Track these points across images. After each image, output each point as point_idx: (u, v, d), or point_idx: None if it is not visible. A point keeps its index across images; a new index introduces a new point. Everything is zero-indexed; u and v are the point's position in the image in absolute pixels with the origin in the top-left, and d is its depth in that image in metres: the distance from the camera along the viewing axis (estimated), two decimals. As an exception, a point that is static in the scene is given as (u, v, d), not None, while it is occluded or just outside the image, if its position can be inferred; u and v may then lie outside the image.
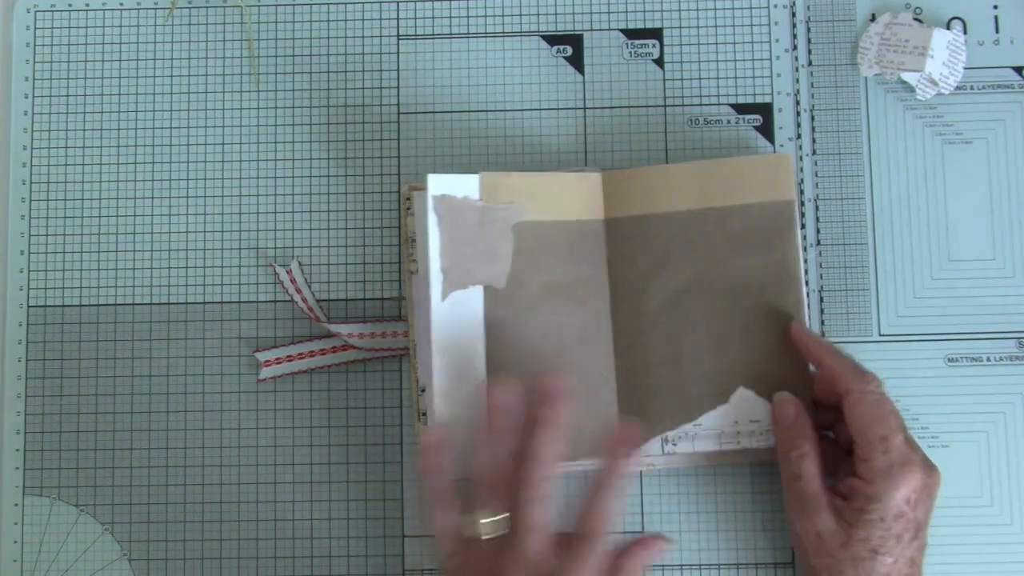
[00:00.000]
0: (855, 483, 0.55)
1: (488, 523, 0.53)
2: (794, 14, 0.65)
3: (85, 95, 0.66)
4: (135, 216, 0.65)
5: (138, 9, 0.66)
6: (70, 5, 0.66)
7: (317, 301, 0.63)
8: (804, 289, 0.60)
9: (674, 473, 0.62)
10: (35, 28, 0.66)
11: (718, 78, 0.65)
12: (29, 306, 0.64)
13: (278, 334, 0.63)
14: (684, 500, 0.62)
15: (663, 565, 0.61)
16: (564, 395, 0.55)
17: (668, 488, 0.62)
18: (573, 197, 0.61)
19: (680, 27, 0.65)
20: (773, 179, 0.60)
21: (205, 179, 0.65)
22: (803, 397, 0.58)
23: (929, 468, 0.55)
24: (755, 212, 0.60)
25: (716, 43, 0.65)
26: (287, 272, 0.63)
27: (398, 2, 0.66)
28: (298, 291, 0.63)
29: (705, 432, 0.59)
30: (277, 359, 0.63)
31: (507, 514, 0.53)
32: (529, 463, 0.54)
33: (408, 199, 0.61)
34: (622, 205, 0.61)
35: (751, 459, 0.61)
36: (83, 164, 0.65)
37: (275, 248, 0.64)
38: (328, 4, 0.66)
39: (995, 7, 0.65)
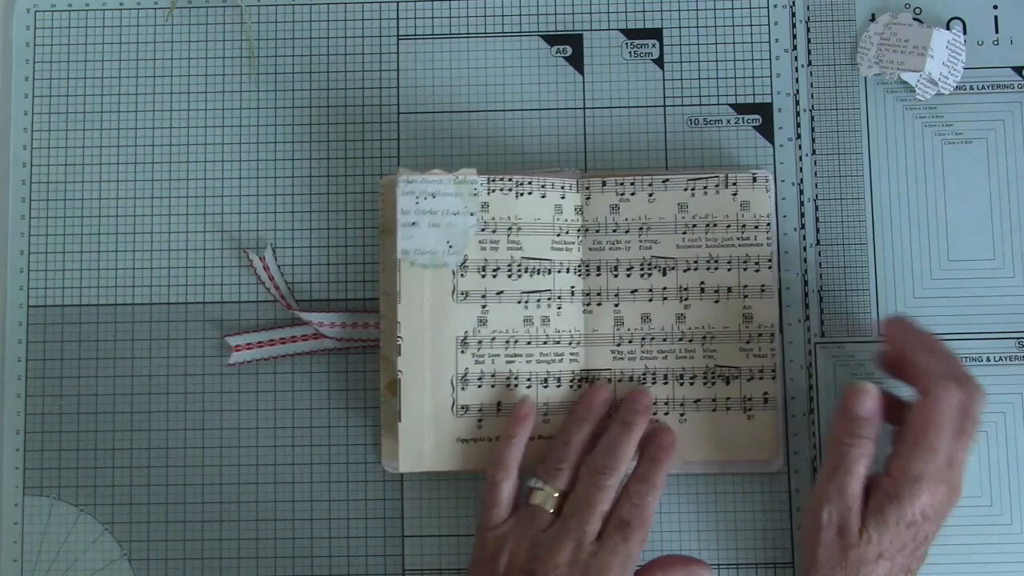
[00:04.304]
0: (881, 479, 0.55)
1: (550, 495, 0.57)
2: (794, 14, 0.65)
3: (85, 95, 0.66)
4: (135, 216, 0.65)
5: (138, 9, 0.66)
6: (70, 5, 0.66)
7: (315, 300, 0.64)
8: (780, 302, 0.62)
9: (674, 473, 0.62)
10: (35, 28, 0.66)
11: (718, 78, 0.65)
12: (29, 306, 0.64)
13: (278, 334, 0.64)
14: (684, 500, 0.62)
15: (663, 565, 0.62)
16: (646, 409, 0.60)
17: (668, 488, 0.62)
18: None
19: (680, 27, 0.65)
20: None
21: (205, 179, 0.65)
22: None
23: (954, 492, 0.55)
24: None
25: (716, 43, 0.65)
26: (261, 260, 0.63)
27: (398, 2, 0.66)
28: (271, 278, 0.63)
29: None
30: (248, 344, 0.63)
31: (559, 491, 0.57)
32: (607, 455, 0.57)
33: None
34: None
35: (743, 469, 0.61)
36: (83, 164, 0.65)
37: (275, 248, 0.64)
38: (328, 4, 0.66)
39: (995, 7, 0.65)
